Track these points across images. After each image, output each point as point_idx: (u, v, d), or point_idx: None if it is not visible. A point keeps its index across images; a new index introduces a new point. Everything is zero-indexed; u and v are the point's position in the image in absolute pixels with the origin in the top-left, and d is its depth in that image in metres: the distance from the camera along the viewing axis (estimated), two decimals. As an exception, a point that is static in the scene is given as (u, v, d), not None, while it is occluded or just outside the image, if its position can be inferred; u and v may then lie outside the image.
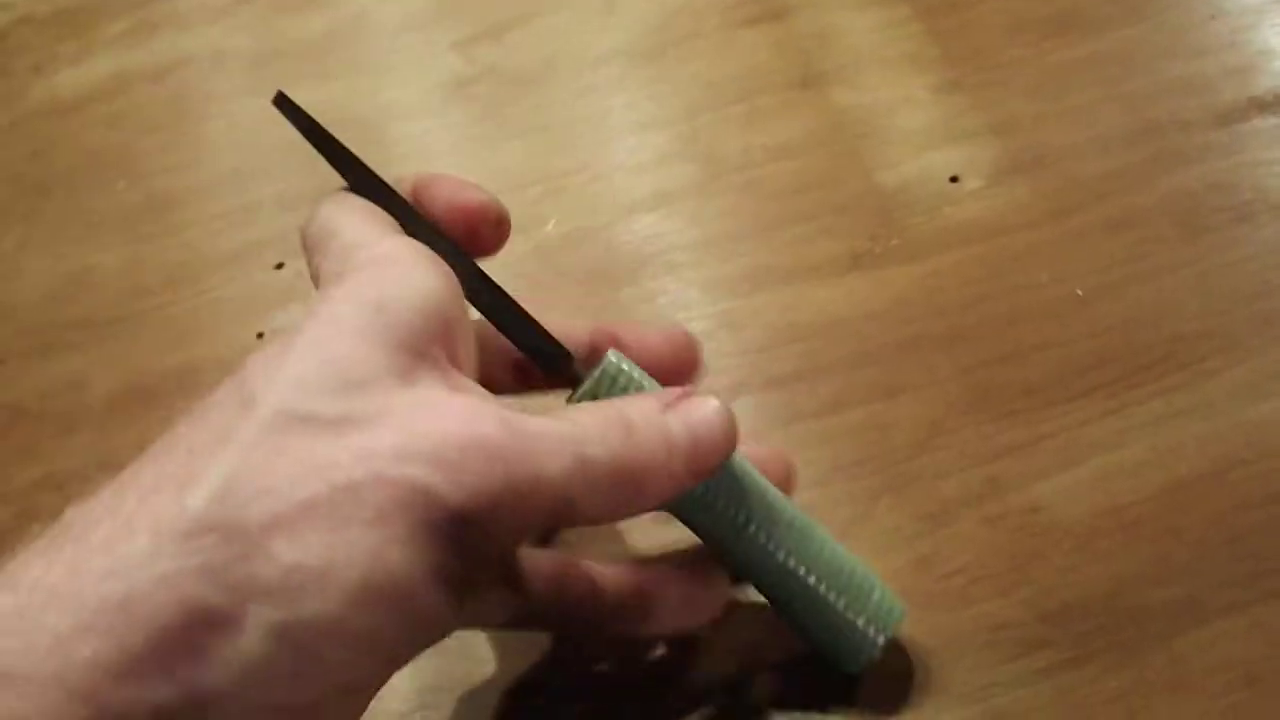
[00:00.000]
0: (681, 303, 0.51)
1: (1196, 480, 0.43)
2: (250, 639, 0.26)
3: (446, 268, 0.33)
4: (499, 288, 0.36)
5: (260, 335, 0.53)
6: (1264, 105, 0.54)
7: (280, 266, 0.56)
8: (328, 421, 0.28)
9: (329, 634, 0.26)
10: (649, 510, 0.34)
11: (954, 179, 0.53)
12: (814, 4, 0.62)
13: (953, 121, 0.55)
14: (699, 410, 0.34)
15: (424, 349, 0.30)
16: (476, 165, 0.58)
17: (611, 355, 0.36)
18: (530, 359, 0.37)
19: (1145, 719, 0.38)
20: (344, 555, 0.26)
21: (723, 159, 0.56)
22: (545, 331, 0.37)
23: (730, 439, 0.34)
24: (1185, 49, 0.57)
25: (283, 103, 0.37)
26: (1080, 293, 0.48)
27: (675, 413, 0.33)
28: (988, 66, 0.57)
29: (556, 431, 0.30)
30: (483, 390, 0.32)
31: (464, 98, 0.62)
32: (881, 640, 0.37)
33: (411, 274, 0.32)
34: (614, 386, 0.35)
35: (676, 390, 0.34)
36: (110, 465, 0.48)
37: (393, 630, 0.28)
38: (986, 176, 0.53)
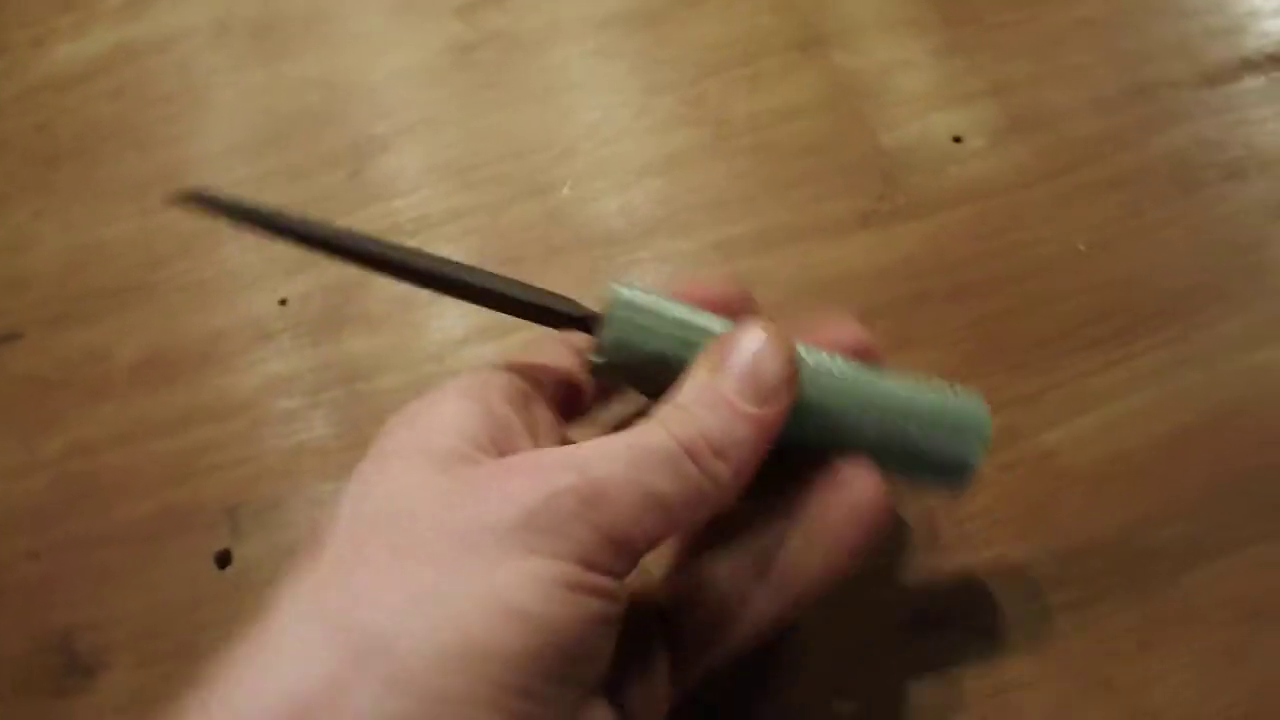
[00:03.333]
0: (696, 263, 0.52)
1: (1199, 426, 0.45)
2: None
3: (476, 392, 0.33)
4: (488, 273, 0.35)
5: (283, 301, 0.54)
6: (1253, 65, 0.55)
7: (296, 234, 0.57)
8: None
9: None
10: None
11: (957, 139, 0.54)
12: (813, -32, 0.63)
13: (953, 83, 0.57)
14: (745, 349, 0.33)
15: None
16: (485, 131, 0.59)
17: (615, 286, 0.35)
18: (547, 322, 0.35)
19: (1157, 651, 0.40)
20: None
21: (730, 121, 0.57)
22: (548, 292, 0.36)
23: (789, 360, 0.33)
24: (1174, 10, 0.58)
25: (196, 200, 0.34)
26: (1083, 247, 0.50)
27: (724, 371, 0.32)
28: (985, 29, 0.59)
29: (622, 477, 0.30)
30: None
31: (469, 64, 0.62)
32: (981, 450, 0.36)
33: (441, 407, 0.33)
34: (633, 313, 0.34)
35: (713, 343, 0.33)
36: (137, 431, 0.50)
37: None
38: (988, 136, 0.54)
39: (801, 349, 0.35)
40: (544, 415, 0.36)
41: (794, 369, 0.33)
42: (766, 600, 0.34)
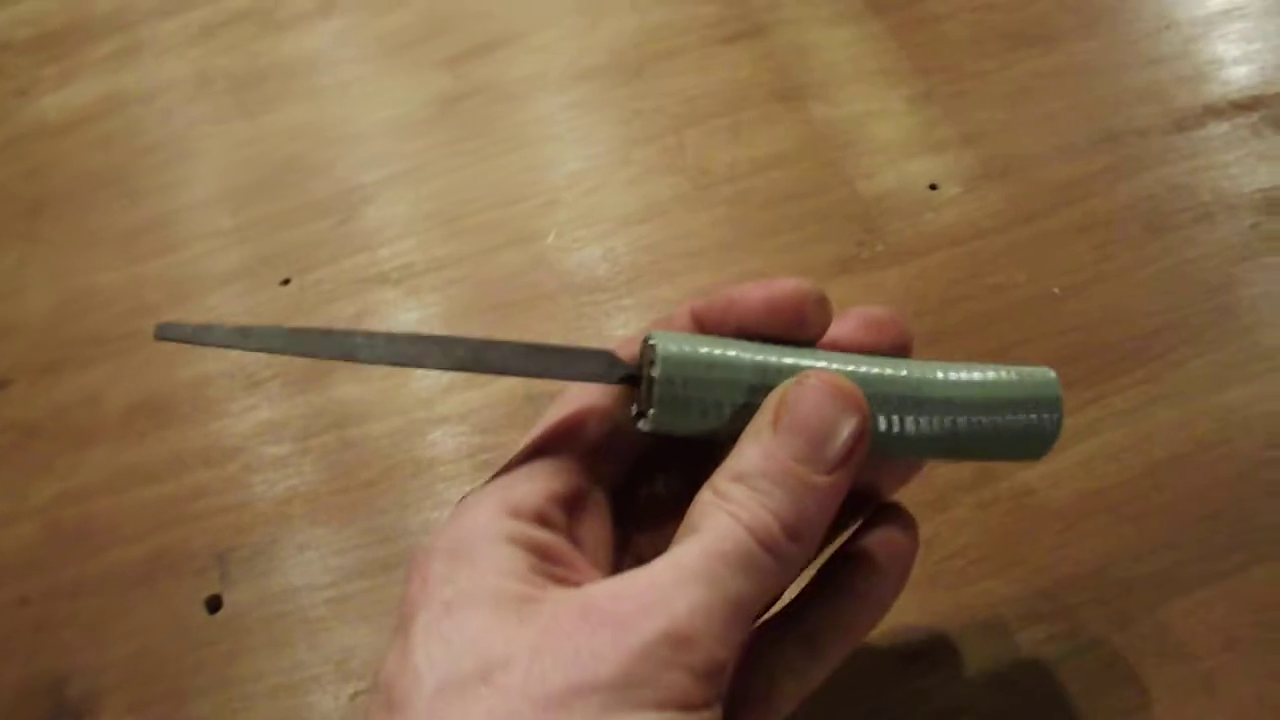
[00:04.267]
0: (679, 309, 0.53)
1: (1171, 462, 0.46)
2: None
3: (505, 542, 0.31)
4: (512, 343, 0.32)
5: (271, 348, 0.55)
6: (1217, 111, 0.57)
7: (286, 282, 0.58)
8: None
9: None
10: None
11: (933, 186, 0.56)
12: (791, 21, 0.64)
13: (927, 131, 0.58)
14: (808, 407, 0.30)
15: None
16: (471, 181, 0.60)
17: (656, 337, 0.32)
18: (586, 378, 0.33)
19: (1137, 682, 0.41)
20: None
21: (710, 171, 0.58)
22: (578, 348, 0.33)
23: (858, 414, 0.30)
24: (1140, 59, 0.60)
25: (166, 332, 0.32)
26: (1057, 291, 0.51)
27: (788, 433, 0.30)
28: (957, 78, 0.60)
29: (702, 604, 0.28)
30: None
31: (455, 114, 0.63)
32: (1058, 417, 0.35)
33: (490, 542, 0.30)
34: (681, 368, 0.31)
35: (772, 399, 0.31)
36: (128, 478, 0.51)
37: None
38: (963, 183, 0.56)
39: (863, 367, 0.33)
40: (592, 505, 0.34)
41: (865, 424, 0.31)
42: (818, 672, 0.34)
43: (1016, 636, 0.42)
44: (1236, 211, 0.53)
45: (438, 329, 0.54)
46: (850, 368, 0.33)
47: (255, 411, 0.53)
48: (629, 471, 0.36)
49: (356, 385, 0.53)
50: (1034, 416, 0.35)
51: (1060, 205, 0.54)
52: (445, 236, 0.58)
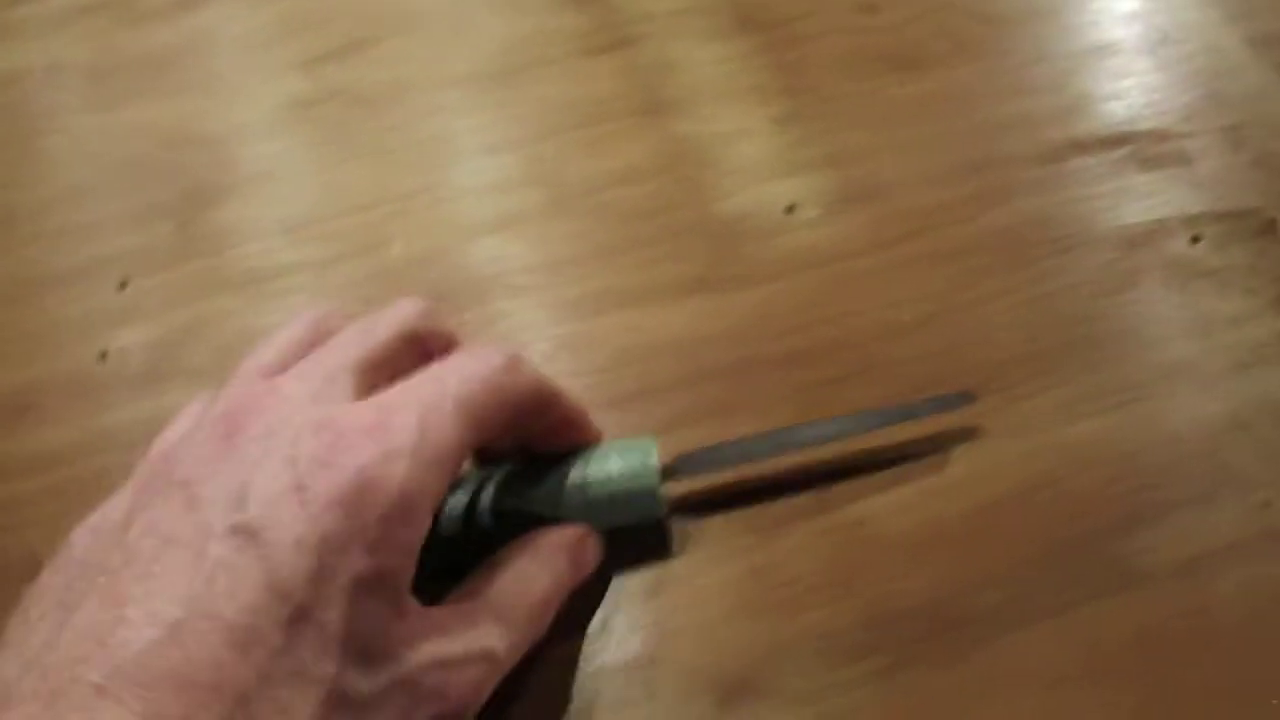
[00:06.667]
0: (525, 325, 0.52)
1: (1013, 497, 0.45)
2: None
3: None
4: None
5: (104, 355, 0.52)
6: (1083, 146, 0.57)
7: (124, 285, 0.55)
8: None
9: None
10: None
11: (790, 209, 0.55)
12: (660, 35, 0.63)
13: (790, 152, 0.57)
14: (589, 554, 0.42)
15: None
16: (319, 186, 0.58)
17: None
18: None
19: (967, 717, 0.40)
20: None
21: (568, 183, 0.57)
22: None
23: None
24: (1011, 90, 0.59)
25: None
26: (907, 319, 0.50)
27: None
28: (826, 99, 0.59)
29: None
30: None
31: (310, 119, 0.61)
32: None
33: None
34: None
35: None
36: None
37: None
38: (822, 206, 0.55)
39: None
40: None
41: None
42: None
43: (847, 668, 0.41)
44: (1099, 246, 0.53)
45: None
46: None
47: (82, 420, 0.51)
48: None
49: (190, 392, 0.50)
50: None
51: (921, 232, 0.54)
52: (290, 243, 0.56)
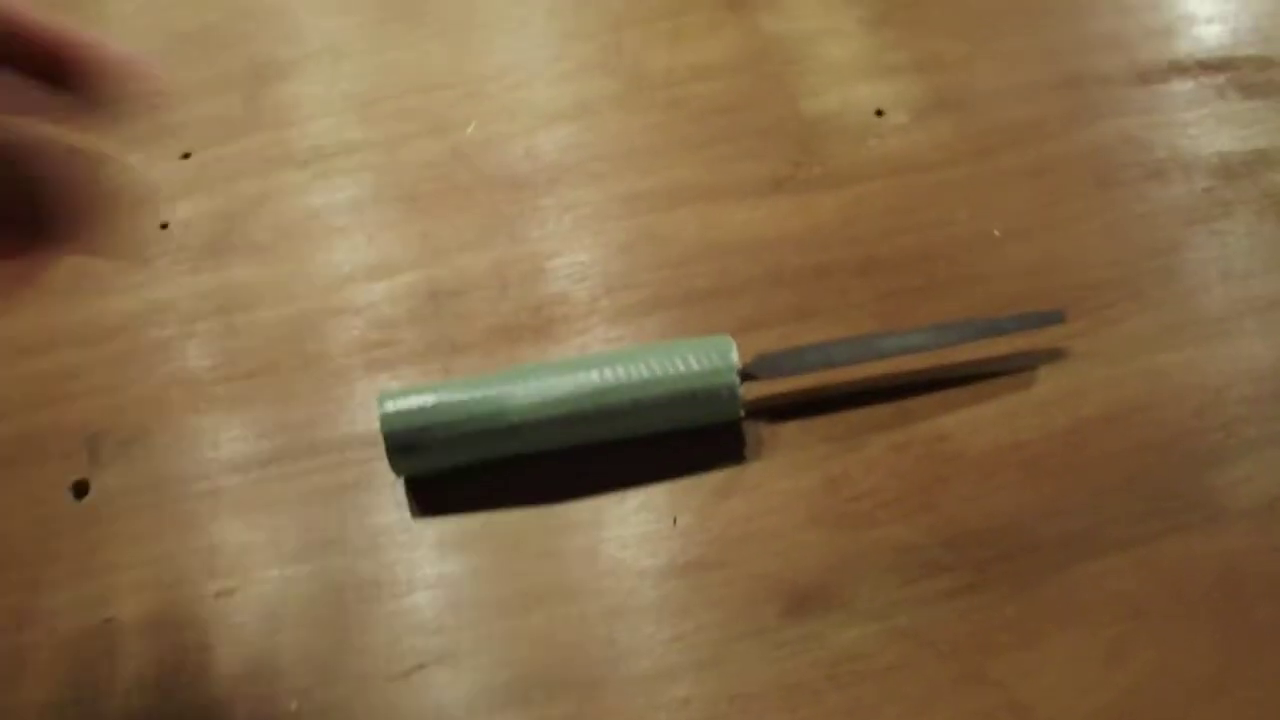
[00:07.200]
0: (599, 213, 0.51)
1: (1097, 422, 0.44)
2: None
3: None
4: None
5: (164, 225, 0.51)
6: (1182, 69, 0.54)
7: (187, 156, 0.54)
8: None
9: None
10: None
11: (879, 112, 0.53)
12: (749, -74, 0.61)
13: (879, 55, 0.55)
14: None
15: None
16: (391, 64, 0.56)
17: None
18: None
19: (1035, 645, 0.39)
20: None
21: (647, 74, 0.55)
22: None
23: None
24: (1109, 6, 0.57)
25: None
26: (997, 233, 0.49)
27: None
28: (916, 3, 0.57)
29: None
30: None
31: (381, -8, 0.60)
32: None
33: None
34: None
35: None
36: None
37: None
38: (912, 112, 0.53)
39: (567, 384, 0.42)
40: None
41: None
42: None
43: (919, 585, 0.40)
44: (1191, 173, 0.51)
45: (343, 216, 0.51)
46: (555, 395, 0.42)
47: (140, 290, 0.50)
48: None
49: (250, 269, 0.50)
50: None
51: (1010, 145, 0.52)
52: (359, 120, 0.54)
